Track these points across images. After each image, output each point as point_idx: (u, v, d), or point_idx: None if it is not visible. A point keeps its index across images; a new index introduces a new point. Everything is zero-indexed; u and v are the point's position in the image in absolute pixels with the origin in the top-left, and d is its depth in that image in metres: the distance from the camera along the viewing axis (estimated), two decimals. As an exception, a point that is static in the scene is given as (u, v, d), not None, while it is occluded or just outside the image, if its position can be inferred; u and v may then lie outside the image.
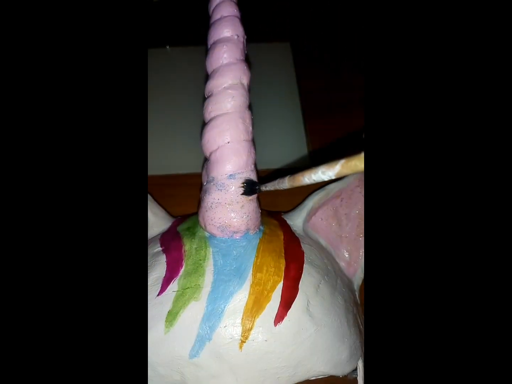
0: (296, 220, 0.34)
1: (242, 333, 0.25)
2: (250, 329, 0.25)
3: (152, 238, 0.33)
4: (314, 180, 0.18)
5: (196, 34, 0.58)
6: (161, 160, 0.46)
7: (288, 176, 0.21)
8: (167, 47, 0.58)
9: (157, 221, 0.34)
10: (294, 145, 0.48)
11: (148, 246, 0.31)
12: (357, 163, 0.14)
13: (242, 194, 0.28)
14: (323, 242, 0.35)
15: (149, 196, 0.36)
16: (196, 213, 0.34)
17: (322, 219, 0.35)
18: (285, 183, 0.21)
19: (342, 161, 0.15)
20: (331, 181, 0.37)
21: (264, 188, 0.25)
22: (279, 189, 0.23)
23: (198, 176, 0.44)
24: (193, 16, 0.63)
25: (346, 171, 0.15)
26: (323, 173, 0.16)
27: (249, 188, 0.28)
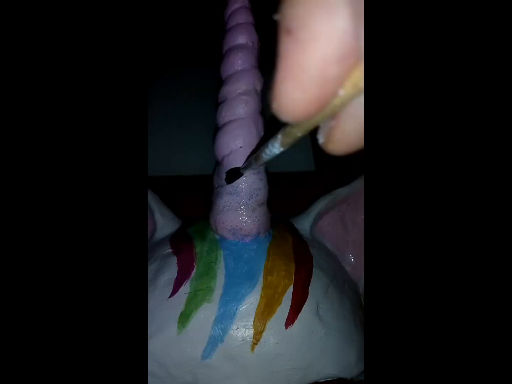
0: (303, 224, 0.34)
1: (254, 335, 0.26)
2: (262, 331, 0.26)
3: (162, 239, 0.33)
4: (269, 155, 0.17)
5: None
6: (167, 161, 0.47)
7: (253, 156, 0.21)
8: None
9: (165, 223, 0.35)
10: (299, 148, 0.49)
11: (158, 248, 0.32)
12: (293, 130, 0.14)
13: (227, 183, 0.28)
14: (329, 246, 0.35)
15: (157, 198, 0.36)
16: (204, 215, 0.34)
17: (328, 224, 0.36)
18: (253, 164, 0.22)
19: (283, 130, 0.15)
20: (337, 186, 0.38)
21: (243, 171, 0.27)
22: (251, 169, 0.26)
23: (204, 177, 0.45)
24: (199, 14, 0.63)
25: (288, 140, 0.15)
26: (272, 145, 0.16)
27: (233, 175, 0.28)
